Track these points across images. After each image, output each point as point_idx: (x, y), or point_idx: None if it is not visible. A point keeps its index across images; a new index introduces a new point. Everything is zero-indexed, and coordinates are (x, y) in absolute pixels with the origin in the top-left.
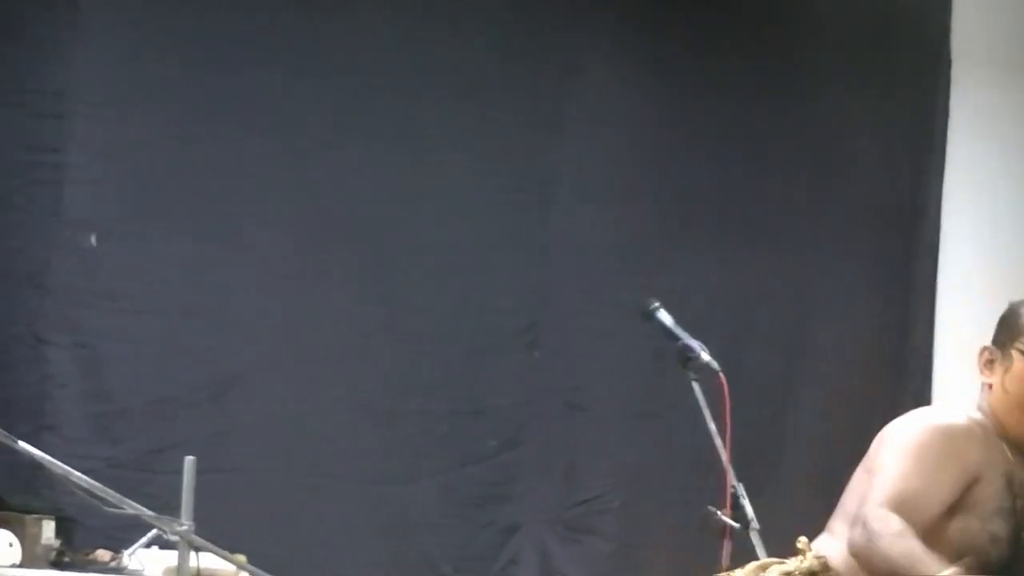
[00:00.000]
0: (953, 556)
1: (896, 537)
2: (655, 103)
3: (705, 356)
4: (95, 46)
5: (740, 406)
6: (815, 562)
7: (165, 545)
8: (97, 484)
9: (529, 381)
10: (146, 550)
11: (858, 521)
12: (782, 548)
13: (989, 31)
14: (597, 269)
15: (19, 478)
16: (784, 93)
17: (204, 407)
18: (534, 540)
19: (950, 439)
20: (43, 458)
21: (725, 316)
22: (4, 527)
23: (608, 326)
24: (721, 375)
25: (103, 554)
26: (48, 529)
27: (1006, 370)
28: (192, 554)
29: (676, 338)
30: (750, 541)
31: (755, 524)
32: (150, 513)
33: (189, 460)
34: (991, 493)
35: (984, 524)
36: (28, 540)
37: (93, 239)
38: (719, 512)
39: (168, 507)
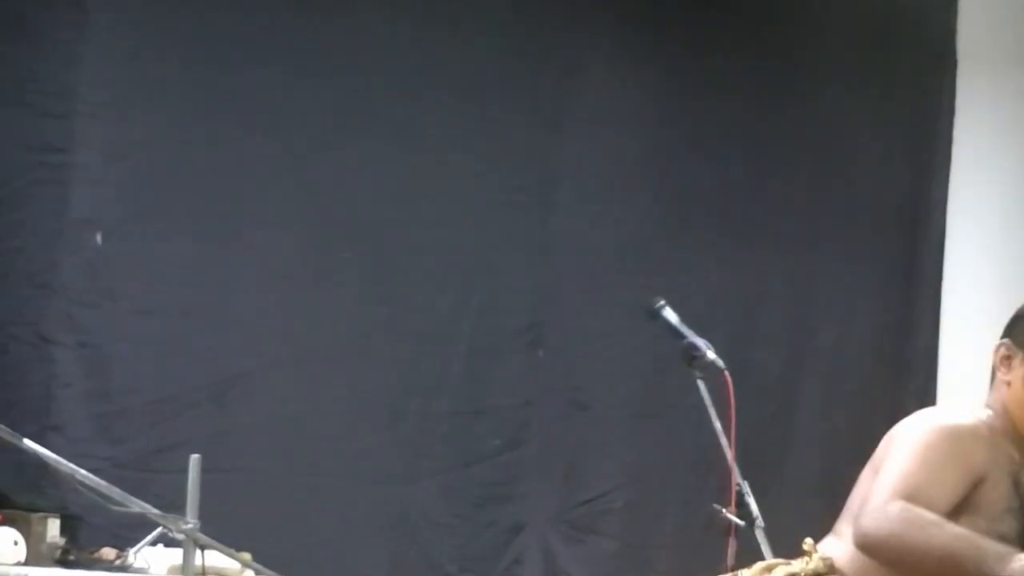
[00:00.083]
0: None
1: (937, 524)
2: (656, 103)
3: (710, 354)
4: (99, 47)
5: (743, 406)
6: (820, 564)
7: (170, 543)
8: (102, 482)
9: (532, 381)
10: (151, 548)
11: (876, 512)
12: (785, 547)
13: (994, 30)
14: (599, 269)
15: (25, 477)
16: (786, 93)
17: (207, 406)
18: (538, 539)
19: (956, 439)
20: (49, 457)
21: (727, 316)
22: (10, 525)
23: (610, 326)
24: (726, 373)
25: (108, 552)
26: (53, 527)
27: None
28: (197, 552)
29: (681, 336)
30: (755, 539)
31: (760, 522)
32: (156, 511)
33: (194, 458)
34: (998, 493)
35: (992, 524)
36: (33, 538)
37: (98, 238)
38: (724, 510)
39: (172, 506)
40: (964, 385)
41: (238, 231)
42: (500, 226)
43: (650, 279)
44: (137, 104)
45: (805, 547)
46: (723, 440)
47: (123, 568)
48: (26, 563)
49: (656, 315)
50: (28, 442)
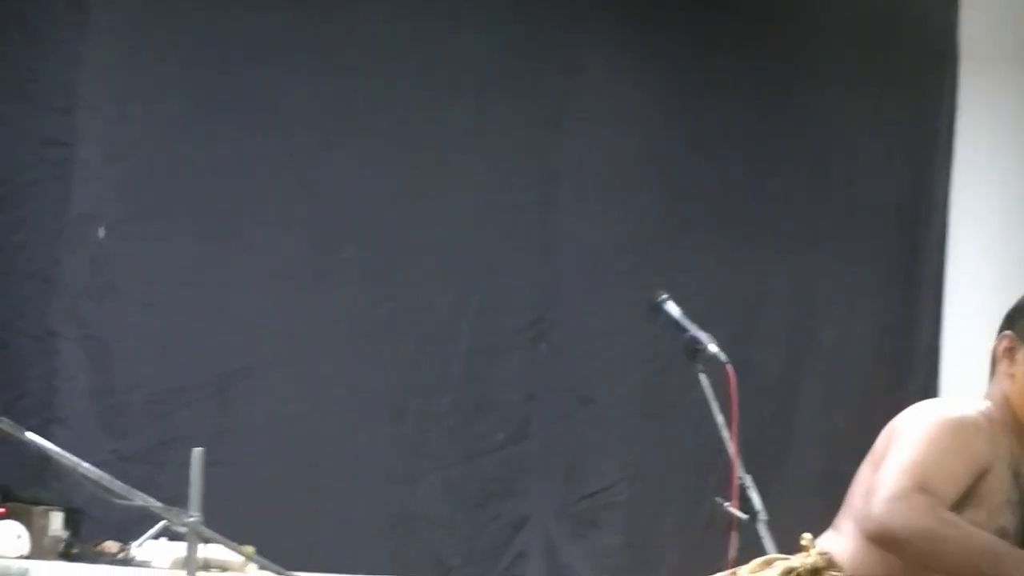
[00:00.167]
0: None
1: (957, 524)
2: (657, 103)
3: (712, 348)
4: (100, 45)
5: (744, 404)
6: (819, 559)
7: (173, 536)
8: (106, 476)
9: (534, 376)
10: (154, 541)
11: (898, 504)
12: (786, 545)
13: (996, 28)
14: (600, 266)
15: (28, 470)
16: (787, 92)
17: (211, 401)
18: (541, 535)
19: (961, 431)
20: (52, 450)
21: (728, 314)
22: (13, 519)
23: (613, 322)
24: (728, 367)
25: (111, 545)
26: (56, 521)
27: None
28: (200, 545)
29: (684, 329)
30: (757, 533)
31: (763, 515)
32: (159, 505)
33: (197, 452)
34: (998, 486)
35: (992, 517)
36: (37, 532)
37: (101, 231)
38: (726, 504)
39: (175, 499)
40: (966, 384)
41: (240, 227)
42: (502, 223)
43: (651, 277)
44: (138, 101)
45: (803, 542)
46: (725, 434)
47: (126, 561)
48: (29, 556)
49: (659, 309)
50: (31, 435)
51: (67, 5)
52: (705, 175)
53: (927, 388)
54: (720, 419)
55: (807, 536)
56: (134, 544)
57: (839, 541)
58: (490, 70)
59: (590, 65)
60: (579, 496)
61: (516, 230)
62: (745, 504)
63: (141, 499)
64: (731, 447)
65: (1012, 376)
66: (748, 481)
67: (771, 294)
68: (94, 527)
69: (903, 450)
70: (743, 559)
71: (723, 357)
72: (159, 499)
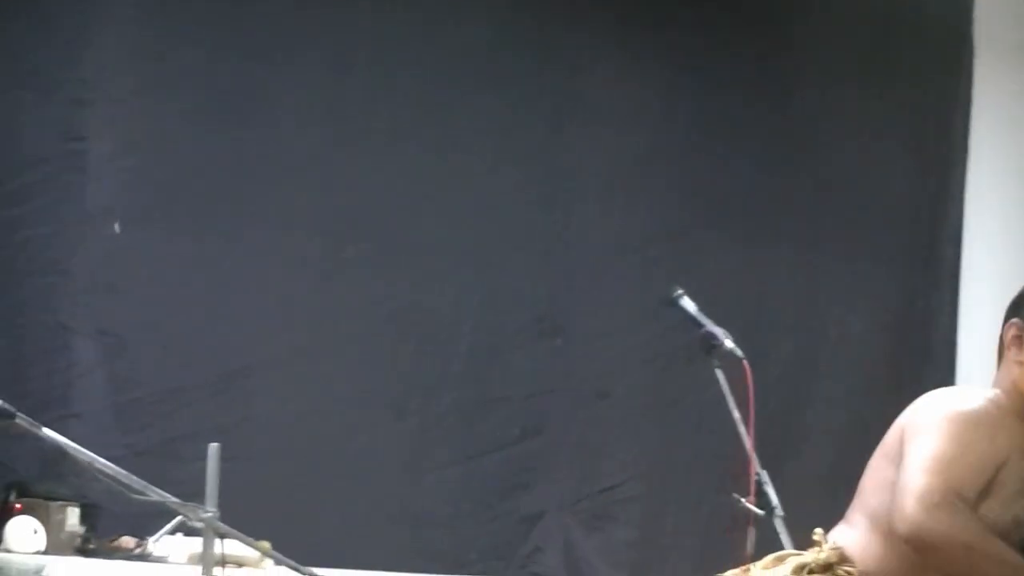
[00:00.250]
0: None
1: (991, 539)
2: (666, 98)
3: (728, 343)
4: (117, 39)
5: (759, 398)
6: (832, 554)
7: (190, 532)
8: (122, 471)
9: (550, 370)
10: (170, 537)
11: (930, 509)
12: (800, 539)
13: (1012, 20)
14: (614, 261)
15: (44, 465)
16: (799, 87)
17: (227, 395)
18: (557, 529)
19: (979, 425)
20: (68, 445)
21: (744, 308)
22: (29, 514)
23: (628, 315)
24: (745, 362)
25: (128, 541)
26: (73, 516)
27: None
28: (217, 541)
29: (699, 325)
30: (773, 529)
31: (779, 511)
32: (175, 500)
33: (213, 447)
34: (1013, 475)
35: (1006, 507)
36: (53, 527)
37: (117, 227)
38: (743, 499)
39: (191, 494)
40: (983, 377)
41: (259, 219)
42: (516, 217)
43: (666, 270)
44: (159, 93)
45: (815, 537)
46: (741, 429)
47: (142, 557)
48: (46, 552)
49: (674, 304)
50: (47, 431)
51: None
52: (716, 170)
53: (944, 382)
54: (737, 415)
55: (819, 531)
56: (150, 539)
57: (851, 534)
58: (494, 68)
59: (596, 62)
60: (594, 491)
61: (531, 221)
62: (761, 500)
63: (157, 495)
64: (748, 442)
65: (1022, 363)
66: (765, 477)
67: (783, 289)
68: (110, 522)
69: (926, 446)
70: (759, 555)
71: (739, 353)
72: (174, 494)
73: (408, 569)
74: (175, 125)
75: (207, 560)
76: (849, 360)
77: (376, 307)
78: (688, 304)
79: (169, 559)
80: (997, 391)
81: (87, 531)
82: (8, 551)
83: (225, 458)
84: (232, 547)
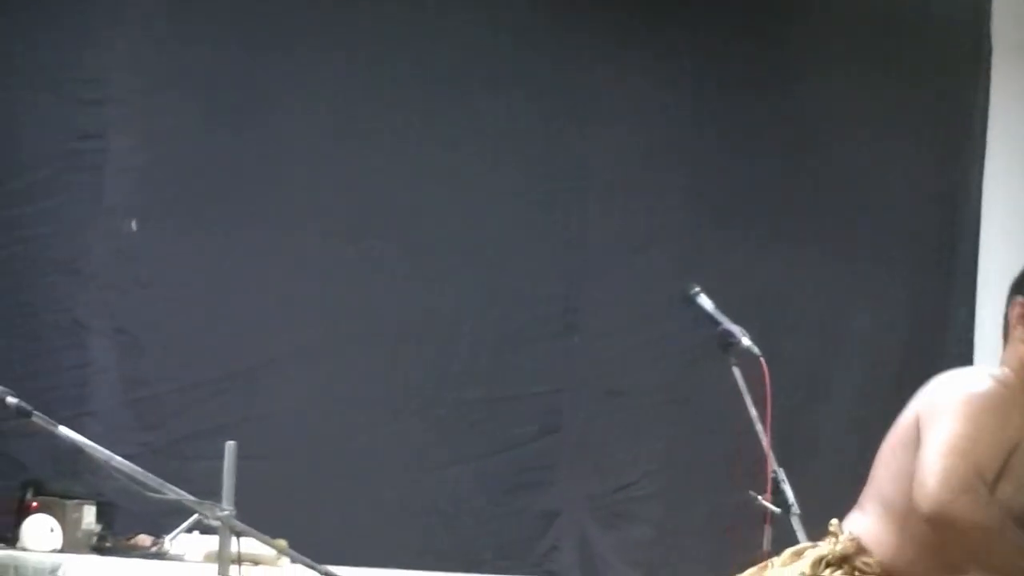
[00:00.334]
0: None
1: (1011, 526)
2: (688, 96)
3: (745, 341)
4: (133, 34)
5: (776, 396)
6: (849, 545)
7: (206, 530)
8: (138, 469)
9: (566, 367)
10: (187, 535)
11: (955, 492)
12: (817, 535)
13: None
14: (633, 258)
15: (60, 464)
16: (818, 83)
17: (242, 393)
18: (573, 526)
19: (995, 408)
20: (84, 443)
21: (761, 304)
22: (45, 512)
23: (645, 313)
24: (761, 360)
25: (144, 539)
26: (89, 514)
27: None
28: (233, 539)
29: (716, 323)
30: (790, 526)
31: (796, 509)
32: (191, 498)
33: (230, 445)
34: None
35: (1019, 490)
36: (69, 525)
37: (133, 224)
38: (760, 497)
39: (207, 492)
40: None
41: (273, 217)
42: (536, 215)
43: (683, 267)
44: (174, 91)
45: (831, 528)
46: (758, 427)
47: (159, 555)
48: (62, 550)
49: (691, 301)
50: (63, 429)
51: None
52: (733, 168)
53: None
54: (753, 412)
55: (834, 522)
56: (167, 537)
57: (865, 522)
58: (505, 66)
59: (609, 60)
60: (611, 488)
61: (550, 219)
62: (778, 497)
63: (174, 492)
64: (765, 440)
65: None
66: (781, 475)
67: (800, 286)
68: (127, 521)
69: (945, 428)
70: (776, 552)
71: (756, 350)
72: (190, 492)
73: (423, 567)
74: (190, 123)
75: (223, 558)
76: (866, 358)
77: (393, 305)
78: (705, 302)
79: (185, 557)
80: (1005, 370)
81: (103, 529)
82: (25, 549)
83: (241, 456)
84: (248, 545)
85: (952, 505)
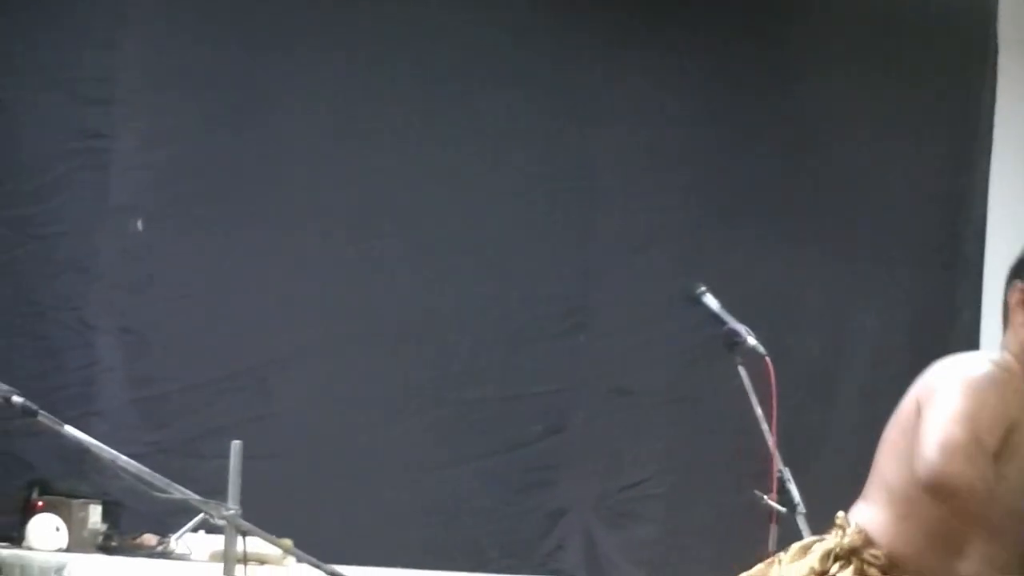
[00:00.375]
0: (998, 506)
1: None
2: (696, 96)
3: (751, 340)
4: (139, 33)
5: (781, 393)
6: (856, 537)
7: (212, 529)
8: (144, 469)
9: (573, 367)
10: (192, 534)
11: (953, 455)
12: (823, 534)
13: None
14: (639, 257)
15: (66, 463)
16: (824, 83)
17: (248, 392)
18: (579, 525)
19: (992, 387)
20: (90, 443)
21: (766, 303)
22: (51, 511)
23: (651, 312)
24: (767, 359)
25: (150, 538)
26: (95, 513)
27: None
28: (238, 538)
29: (722, 322)
30: (795, 525)
31: (801, 508)
32: (197, 497)
33: (236, 445)
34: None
35: (1021, 472)
36: (75, 524)
37: (140, 224)
38: (765, 496)
39: (213, 492)
40: None
41: (280, 215)
42: (543, 213)
43: (690, 266)
44: (180, 90)
45: (838, 521)
46: (764, 426)
47: (164, 554)
48: (68, 549)
49: (697, 301)
50: (70, 428)
51: None
52: (738, 168)
53: None
54: (759, 412)
55: (841, 514)
56: (172, 537)
57: (870, 512)
58: (512, 65)
59: (617, 60)
60: (617, 488)
61: (558, 218)
62: (784, 497)
63: (179, 492)
64: (770, 440)
65: None
66: (787, 474)
67: (806, 286)
68: (132, 520)
69: (945, 403)
70: (782, 550)
71: (762, 350)
72: (196, 491)
73: (429, 566)
74: (196, 123)
75: (229, 557)
76: (871, 357)
77: (397, 305)
78: (711, 301)
79: (191, 556)
80: (1006, 354)
81: (109, 528)
82: (30, 548)
83: (247, 455)
84: (254, 544)
85: (948, 469)
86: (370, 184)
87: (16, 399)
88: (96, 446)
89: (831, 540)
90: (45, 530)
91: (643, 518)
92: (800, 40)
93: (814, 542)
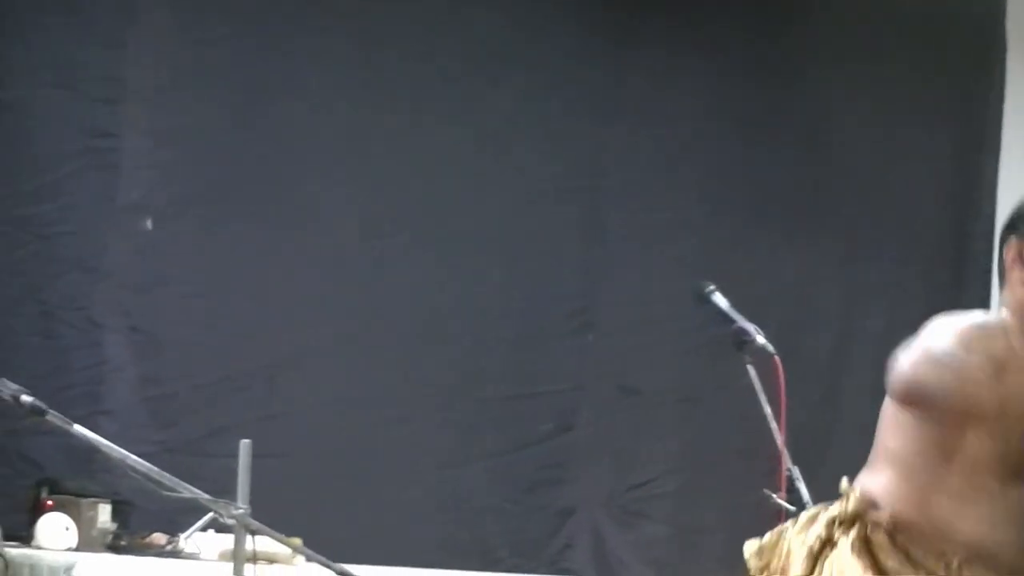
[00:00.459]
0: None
1: None
2: (707, 92)
3: (760, 339)
4: (148, 31)
5: (791, 391)
6: (859, 503)
7: (221, 528)
8: (154, 468)
9: (582, 365)
10: (202, 533)
11: (923, 361)
12: None
13: None
14: (648, 256)
15: (75, 462)
16: (834, 81)
17: (258, 391)
18: (588, 524)
19: (976, 336)
20: (99, 442)
21: (776, 302)
22: (60, 511)
23: (660, 311)
24: (776, 358)
25: (159, 537)
26: (104, 513)
27: None
28: (248, 537)
29: (731, 321)
30: None
31: (810, 507)
32: (206, 496)
33: (245, 444)
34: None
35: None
36: (84, 524)
37: (148, 223)
38: (774, 495)
39: (222, 491)
40: None
41: (287, 216)
42: (550, 212)
43: (699, 264)
44: (189, 89)
45: (843, 489)
46: (773, 425)
47: (174, 553)
48: (77, 549)
49: (706, 300)
50: (78, 427)
51: None
52: (747, 167)
53: None
54: (768, 411)
55: (845, 480)
56: (182, 536)
57: (873, 478)
58: (537, 59)
59: (630, 57)
60: (626, 486)
61: (566, 216)
62: (792, 495)
63: (189, 491)
64: (779, 439)
65: None
66: (796, 473)
67: (814, 285)
68: (142, 519)
69: (924, 336)
70: None
71: (771, 348)
72: (206, 490)
73: (438, 565)
74: (205, 122)
75: (238, 557)
76: (880, 356)
77: (408, 304)
78: (720, 300)
79: (200, 556)
80: (1004, 312)
81: (118, 528)
82: (40, 548)
83: (256, 454)
84: (263, 543)
85: (919, 372)
86: (381, 183)
87: (25, 398)
88: (105, 445)
89: (835, 508)
90: (54, 529)
91: (652, 517)
92: (809, 40)
93: (820, 511)
